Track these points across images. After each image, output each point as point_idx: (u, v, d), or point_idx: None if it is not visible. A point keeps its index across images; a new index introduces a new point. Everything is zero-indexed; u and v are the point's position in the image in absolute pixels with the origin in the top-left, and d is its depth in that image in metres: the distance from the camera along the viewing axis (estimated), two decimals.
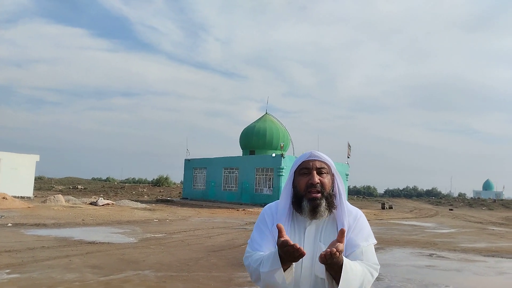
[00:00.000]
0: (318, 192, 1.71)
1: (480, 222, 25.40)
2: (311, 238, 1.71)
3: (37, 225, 13.51)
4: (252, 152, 34.57)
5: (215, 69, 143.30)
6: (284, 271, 1.56)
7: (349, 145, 37.10)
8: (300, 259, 1.56)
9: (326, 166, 1.78)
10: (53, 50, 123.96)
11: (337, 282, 1.53)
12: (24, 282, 6.18)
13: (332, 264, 1.50)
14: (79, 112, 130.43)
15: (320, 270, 1.62)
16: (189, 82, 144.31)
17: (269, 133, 34.15)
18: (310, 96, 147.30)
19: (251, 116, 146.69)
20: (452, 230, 18.67)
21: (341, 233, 1.50)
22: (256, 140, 34.33)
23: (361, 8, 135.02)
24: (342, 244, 1.48)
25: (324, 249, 1.53)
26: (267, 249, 1.71)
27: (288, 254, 1.48)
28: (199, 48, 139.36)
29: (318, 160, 1.78)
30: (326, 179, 1.75)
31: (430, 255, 10.73)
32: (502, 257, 10.78)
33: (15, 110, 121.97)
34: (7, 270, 6.84)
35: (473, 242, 14.05)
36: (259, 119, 36.21)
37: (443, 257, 10.47)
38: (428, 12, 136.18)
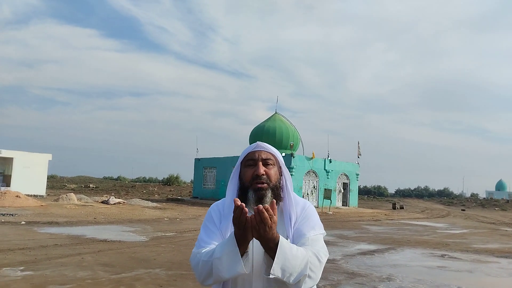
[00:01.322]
0: (264, 183, 1.66)
1: (493, 223, 25.06)
2: None
3: (50, 223, 13.69)
4: None
5: (223, 69, 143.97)
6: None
7: (359, 145, 36.90)
8: (251, 257, 1.54)
9: (272, 158, 1.74)
10: (63, 50, 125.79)
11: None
12: (37, 279, 6.27)
13: (267, 239, 1.42)
14: (89, 112, 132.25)
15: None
16: (197, 82, 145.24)
17: (279, 133, 34.12)
18: (318, 96, 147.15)
19: (259, 116, 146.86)
20: (464, 231, 18.45)
21: (271, 203, 1.44)
22: (266, 139, 34.17)
23: (369, 7, 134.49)
24: (274, 208, 1.42)
25: None
26: (215, 246, 1.61)
27: (238, 222, 1.41)
28: (207, 48, 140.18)
29: (264, 151, 1.74)
30: (272, 171, 1.70)
31: (442, 255, 10.63)
32: None
33: (26, 110, 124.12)
34: (21, 268, 6.95)
35: (486, 243, 13.87)
36: (269, 118, 36.19)
37: (455, 258, 10.36)
38: (437, 11, 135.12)
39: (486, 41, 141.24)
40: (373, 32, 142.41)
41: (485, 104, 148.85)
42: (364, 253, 10.55)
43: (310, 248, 1.57)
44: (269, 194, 1.66)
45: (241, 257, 1.47)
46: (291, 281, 1.47)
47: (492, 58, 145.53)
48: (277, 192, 1.70)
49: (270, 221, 1.40)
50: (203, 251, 1.60)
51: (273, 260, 1.44)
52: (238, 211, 1.41)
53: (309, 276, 1.51)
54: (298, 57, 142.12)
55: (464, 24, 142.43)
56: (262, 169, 1.68)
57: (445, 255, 10.75)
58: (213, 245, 1.62)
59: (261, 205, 1.40)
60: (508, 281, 8.11)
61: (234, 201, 1.42)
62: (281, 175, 1.76)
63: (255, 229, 1.41)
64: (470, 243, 13.70)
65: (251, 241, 1.52)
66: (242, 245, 1.47)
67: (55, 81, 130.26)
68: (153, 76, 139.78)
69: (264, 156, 1.72)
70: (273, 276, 1.45)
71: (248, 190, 1.68)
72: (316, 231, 1.67)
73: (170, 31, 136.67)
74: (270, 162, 1.72)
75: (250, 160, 1.73)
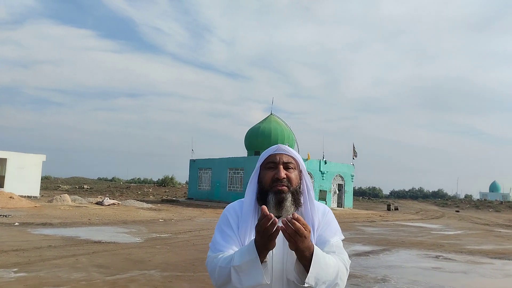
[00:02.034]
0: (284, 186, 1.62)
1: (487, 224, 25.22)
2: (279, 240, 1.52)
3: (44, 225, 13.61)
4: (257, 153, 34.53)
5: (219, 70, 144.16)
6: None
7: (354, 146, 37.01)
8: (271, 264, 1.51)
9: (293, 161, 1.69)
10: (59, 51, 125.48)
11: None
12: (31, 281, 6.23)
13: (303, 249, 1.39)
14: (84, 113, 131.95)
15: (291, 273, 1.51)
16: (193, 83, 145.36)
17: (274, 134, 34.13)
18: (314, 97, 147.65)
19: (255, 117, 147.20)
20: (459, 232, 18.55)
21: (298, 217, 1.37)
22: (261, 140, 34.31)
23: (366, 8, 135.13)
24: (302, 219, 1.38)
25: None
26: (233, 251, 1.56)
27: (264, 231, 1.35)
28: (203, 49, 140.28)
29: (286, 154, 1.69)
30: (293, 174, 1.66)
31: (437, 257, 10.67)
32: (509, 259, 10.70)
33: (21, 111, 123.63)
34: (15, 269, 6.90)
35: (480, 244, 13.96)
36: (264, 119, 36.20)
37: (449, 259, 10.41)
38: (433, 13, 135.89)
39: (481, 43, 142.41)
40: (370, 33, 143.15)
41: (479, 106, 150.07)
42: (359, 254, 10.58)
43: (338, 256, 1.58)
44: (289, 198, 1.62)
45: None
46: None
47: (486, 60, 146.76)
48: (297, 197, 1.65)
49: (305, 230, 1.37)
50: (220, 256, 1.55)
51: (305, 268, 1.44)
52: (265, 220, 1.34)
53: (338, 284, 1.52)
54: (294, 58, 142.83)
55: (460, 26, 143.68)
56: (283, 172, 1.63)
57: (440, 256, 10.80)
58: (230, 250, 1.57)
59: (295, 214, 1.36)
60: (502, 282, 8.15)
61: (262, 209, 1.37)
62: (301, 180, 1.71)
63: (291, 241, 1.38)
64: (464, 244, 13.77)
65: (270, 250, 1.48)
66: (262, 253, 1.43)
67: (50, 82, 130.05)
68: (148, 77, 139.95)
69: (285, 159, 1.67)
70: (307, 285, 1.43)
71: (268, 193, 1.63)
72: (338, 237, 1.68)
73: (166, 32, 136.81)
74: (291, 165, 1.67)
75: (271, 163, 1.67)
